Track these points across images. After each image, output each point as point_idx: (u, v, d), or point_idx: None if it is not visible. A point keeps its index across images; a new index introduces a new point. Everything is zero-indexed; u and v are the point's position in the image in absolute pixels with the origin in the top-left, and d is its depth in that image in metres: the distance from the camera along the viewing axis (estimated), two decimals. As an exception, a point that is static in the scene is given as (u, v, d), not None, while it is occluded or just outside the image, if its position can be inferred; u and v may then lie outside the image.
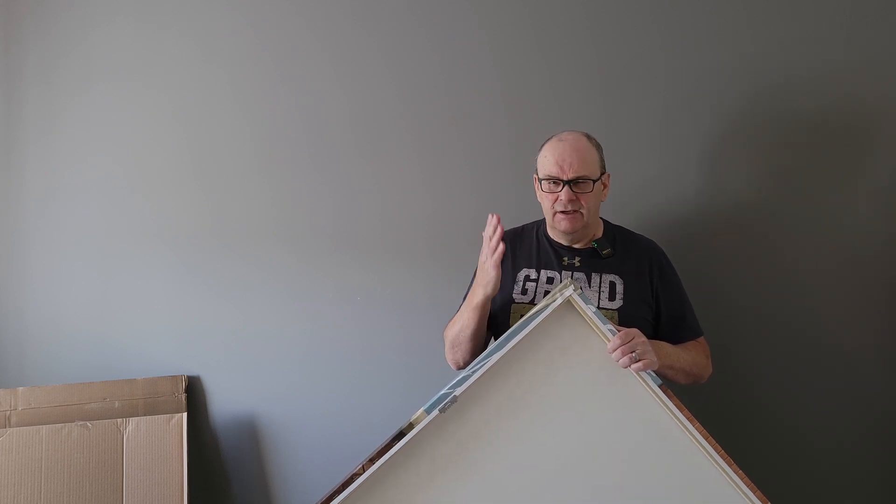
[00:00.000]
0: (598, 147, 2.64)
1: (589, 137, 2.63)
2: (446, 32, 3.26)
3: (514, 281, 2.66)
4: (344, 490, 2.11)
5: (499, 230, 2.36)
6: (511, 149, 3.22)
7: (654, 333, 2.57)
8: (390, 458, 2.11)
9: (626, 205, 3.06)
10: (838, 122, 3.07)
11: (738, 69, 3.11)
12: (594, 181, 2.55)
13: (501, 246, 2.35)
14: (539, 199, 2.68)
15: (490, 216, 2.38)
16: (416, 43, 3.27)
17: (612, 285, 2.57)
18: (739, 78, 3.11)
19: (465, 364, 2.64)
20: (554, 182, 2.55)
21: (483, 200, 3.23)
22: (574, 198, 2.52)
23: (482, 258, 2.44)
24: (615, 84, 3.19)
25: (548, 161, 2.58)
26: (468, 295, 2.60)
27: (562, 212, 2.55)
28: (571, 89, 3.21)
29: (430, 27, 3.26)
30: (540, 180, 2.62)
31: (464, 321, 2.57)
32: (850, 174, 3.07)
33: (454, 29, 3.25)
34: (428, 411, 2.12)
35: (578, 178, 2.52)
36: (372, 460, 2.11)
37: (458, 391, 2.13)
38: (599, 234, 2.70)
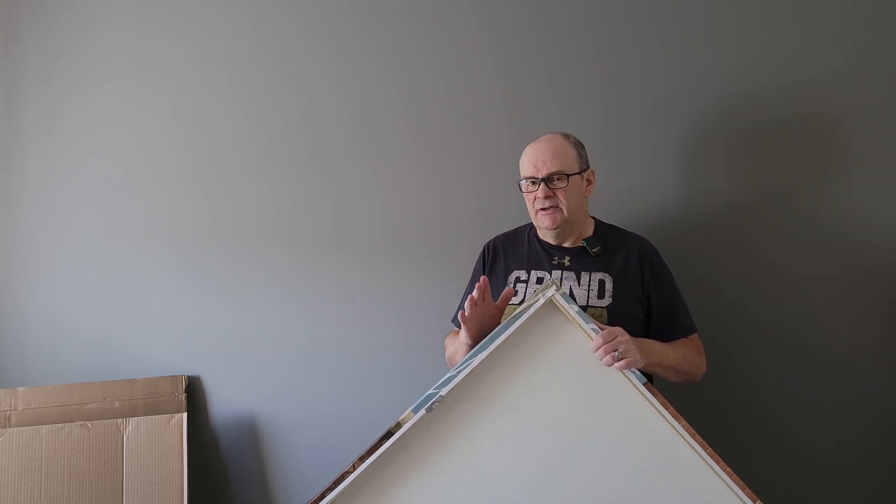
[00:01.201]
0: (577, 144, 2.67)
1: (566, 136, 2.66)
2: (446, 32, 3.26)
3: (505, 283, 2.68)
4: (336, 487, 2.11)
5: (473, 297, 2.35)
6: (511, 149, 3.17)
7: (645, 331, 2.56)
8: (379, 456, 2.11)
9: (625, 204, 3.06)
10: (836, 123, 3.04)
11: (737, 70, 3.09)
12: (569, 175, 2.57)
13: (467, 305, 2.36)
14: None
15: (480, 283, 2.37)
16: (417, 43, 3.27)
17: (602, 283, 2.57)
18: (738, 78, 3.09)
19: None
20: (531, 182, 2.61)
21: (483, 200, 3.23)
22: (551, 194, 2.56)
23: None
24: (614, 84, 3.17)
25: (524, 163, 2.66)
26: (462, 330, 2.56)
27: (542, 209, 2.59)
28: (571, 89, 3.20)
29: (430, 27, 3.26)
30: (520, 184, 2.67)
31: (457, 349, 2.59)
32: (848, 175, 3.04)
33: (454, 29, 3.25)
34: (415, 411, 2.12)
35: (552, 174, 2.56)
36: (362, 458, 2.11)
37: (444, 391, 2.13)
38: (590, 232, 2.70)
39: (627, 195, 3.07)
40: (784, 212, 3.06)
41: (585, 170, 2.65)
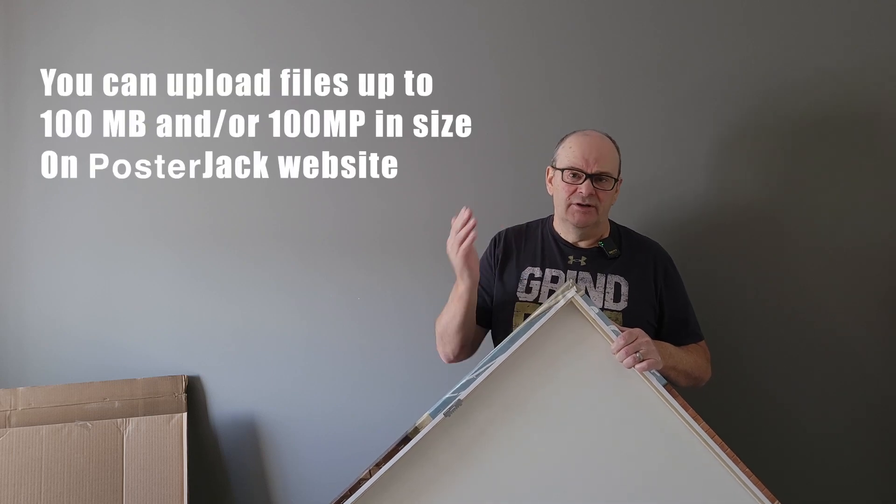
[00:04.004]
0: (619, 150, 2.65)
1: (612, 139, 2.64)
2: (447, 31, 3.26)
3: (518, 279, 2.65)
4: (352, 495, 2.10)
5: (470, 222, 2.37)
6: (511, 148, 3.22)
7: (656, 336, 2.54)
8: (396, 462, 2.11)
9: (627, 206, 3.05)
10: (840, 123, 3.07)
11: (739, 71, 3.11)
12: (615, 180, 2.58)
13: (471, 235, 2.36)
14: (551, 192, 2.69)
15: (463, 209, 2.39)
16: (417, 43, 3.27)
17: (618, 286, 2.57)
18: (741, 79, 3.11)
19: (455, 356, 2.69)
20: (575, 174, 2.55)
21: (483, 199, 3.23)
22: (593, 192, 2.52)
23: (448, 249, 2.44)
24: (617, 84, 3.19)
25: (572, 153, 2.58)
26: (460, 282, 2.55)
27: (578, 204, 2.54)
28: (572, 89, 3.21)
29: (430, 27, 3.27)
30: (561, 170, 2.60)
31: (451, 313, 2.58)
32: (852, 175, 3.08)
33: (455, 29, 3.26)
34: (433, 415, 2.11)
35: (601, 173, 2.53)
36: (378, 465, 2.11)
37: (462, 395, 2.12)
38: (606, 234, 2.70)
39: (629, 196, 3.05)
40: (787, 212, 3.11)
41: (619, 176, 2.65)
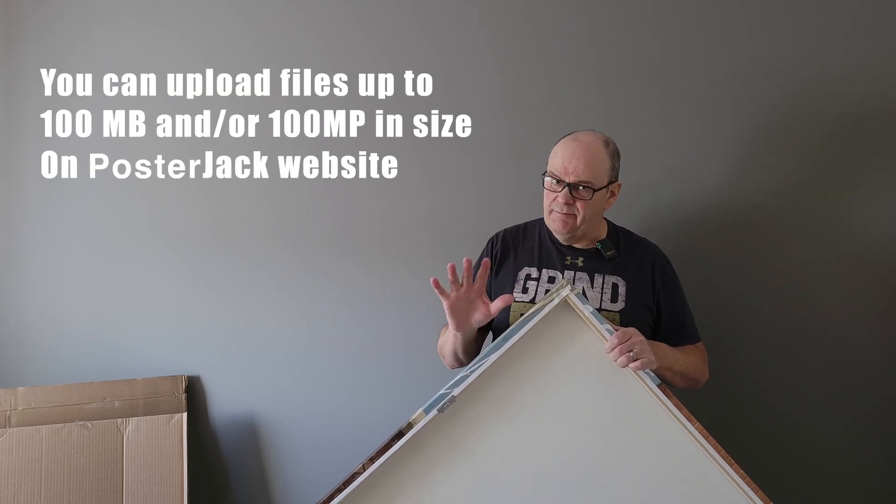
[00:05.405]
0: (614, 155, 2.56)
1: (606, 143, 2.55)
2: (447, 32, 3.26)
3: (515, 280, 2.64)
4: (345, 489, 2.10)
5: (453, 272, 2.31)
6: (511, 148, 3.22)
7: (653, 337, 2.53)
8: (390, 457, 2.11)
9: (626, 206, 3.04)
10: (840, 123, 3.06)
11: (739, 71, 3.10)
12: (595, 190, 2.48)
13: (448, 296, 2.33)
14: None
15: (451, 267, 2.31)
16: (417, 43, 3.27)
17: (615, 287, 2.55)
18: (741, 80, 3.10)
19: (458, 366, 2.66)
20: (556, 181, 2.50)
21: (483, 199, 3.23)
22: (570, 202, 2.47)
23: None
24: (616, 84, 3.18)
25: (556, 158, 2.53)
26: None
27: (557, 211, 2.52)
28: (572, 89, 3.21)
29: (430, 27, 3.27)
30: (545, 174, 2.57)
31: (446, 338, 2.59)
32: (852, 175, 3.06)
33: (455, 29, 3.25)
34: (426, 411, 2.12)
35: (580, 183, 2.46)
36: (372, 459, 2.11)
37: (455, 391, 2.13)
38: (603, 234, 2.67)
39: (629, 197, 3.04)
40: (789, 213, 3.10)
41: (613, 182, 2.58)
